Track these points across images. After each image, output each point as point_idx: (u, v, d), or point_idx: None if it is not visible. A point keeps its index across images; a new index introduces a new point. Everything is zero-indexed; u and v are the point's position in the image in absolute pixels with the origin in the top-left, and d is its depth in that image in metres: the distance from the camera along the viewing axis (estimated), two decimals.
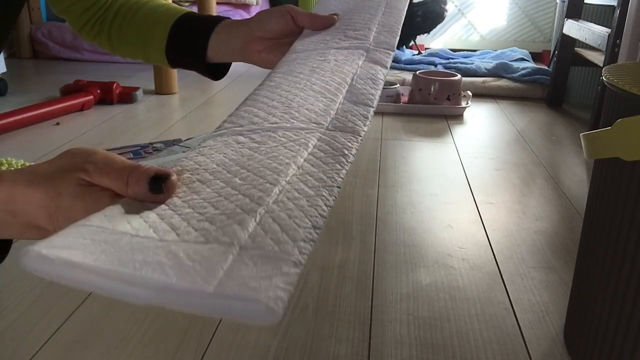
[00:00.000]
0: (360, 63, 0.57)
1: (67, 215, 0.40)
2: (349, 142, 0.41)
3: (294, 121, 0.44)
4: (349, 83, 0.52)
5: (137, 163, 0.39)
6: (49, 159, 0.42)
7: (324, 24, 0.70)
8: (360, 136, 0.42)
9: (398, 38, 0.64)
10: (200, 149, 0.43)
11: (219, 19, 0.74)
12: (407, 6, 0.75)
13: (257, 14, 0.73)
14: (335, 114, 0.46)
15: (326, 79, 0.52)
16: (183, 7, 0.78)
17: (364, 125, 0.44)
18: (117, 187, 0.39)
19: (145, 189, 0.37)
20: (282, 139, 0.41)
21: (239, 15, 3.35)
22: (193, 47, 0.74)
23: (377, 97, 0.50)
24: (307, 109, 0.46)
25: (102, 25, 0.78)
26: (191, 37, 0.74)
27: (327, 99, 0.48)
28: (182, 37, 0.74)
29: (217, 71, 0.79)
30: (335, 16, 0.71)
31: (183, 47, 0.75)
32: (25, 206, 0.41)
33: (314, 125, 0.43)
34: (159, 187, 0.36)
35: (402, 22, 0.70)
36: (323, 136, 0.42)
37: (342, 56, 0.58)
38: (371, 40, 0.63)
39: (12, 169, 1.10)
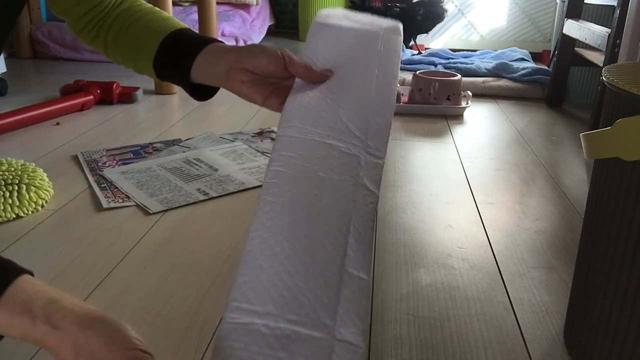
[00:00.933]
0: (355, 191, 0.58)
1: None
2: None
3: (309, 321, 0.48)
4: (350, 232, 0.55)
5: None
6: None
7: (318, 80, 0.69)
8: (362, 349, 0.48)
9: (389, 134, 0.65)
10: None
11: (211, 40, 0.73)
12: (398, 67, 0.75)
13: (251, 46, 0.71)
14: (337, 306, 0.50)
15: (329, 225, 0.54)
16: (181, 22, 0.77)
17: (362, 335, 0.49)
18: None
19: None
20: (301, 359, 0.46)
21: (239, 15, 3.34)
22: (178, 64, 0.73)
23: (371, 256, 0.55)
24: (314, 297, 0.49)
25: (100, 30, 0.78)
26: (178, 53, 0.73)
27: (332, 269, 0.51)
28: (170, 53, 0.73)
29: (202, 92, 0.77)
30: (329, 72, 0.70)
31: (169, 62, 0.74)
32: (51, 351, 0.47)
33: (326, 335, 0.47)
34: None
35: (395, 96, 0.70)
36: (335, 353, 0.47)
37: (339, 171, 0.59)
38: (366, 139, 0.64)
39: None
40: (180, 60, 0.73)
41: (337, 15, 0.80)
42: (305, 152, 0.60)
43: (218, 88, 0.77)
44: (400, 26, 0.81)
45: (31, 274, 0.51)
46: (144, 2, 0.81)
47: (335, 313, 0.49)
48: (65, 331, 0.46)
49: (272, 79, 0.71)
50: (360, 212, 0.56)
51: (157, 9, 0.80)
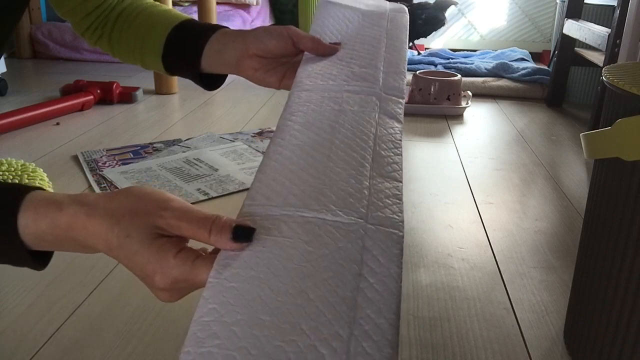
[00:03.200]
0: (376, 117, 0.56)
1: (128, 256, 0.43)
2: (395, 247, 0.41)
3: (334, 209, 0.43)
4: (372, 148, 0.52)
5: (216, 214, 0.42)
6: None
7: (327, 52, 0.68)
8: (401, 232, 0.43)
9: (405, 79, 0.65)
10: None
11: (216, 28, 0.72)
12: (407, 38, 0.75)
13: (256, 30, 0.71)
14: (369, 195, 0.45)
15: (349, 142, 0.52)
16: (183, 13, 0.77)
17: (400, 213, 0.45)
18: (198, 234, 0.41)
19: (228, 237, 0.40)
20: (331, 242, 0.41)
21: (239, 15, 3.35)
22: (187, 55, 0.73)
23: (401, 165, 0.51)
24: (342, 190, 0.45)
25: (104, 29, 0.78)
26: (186, 44, 0.73)
27: (357, 172, 0.48)
28: (177, 45, 0.73)
29: (212, 81, 0.77)
30: (338, 45, 0.70)
31: (178, 54, 0.73)
32: (84, 235, 0.44)
33: (354, 218, 0.43)
34: (241, 236, 0.40)
35: (407, 58, 0.70)
36: (367, 237, 0.42)
37: (357, 105, 0.58)
38: (381, 83, 0.63)
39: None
40: (189, 51, 0.72)
41: None
42: (318, 99, 0.59)
43: (226, 76, 0.77)
44: (405, 8, 0.81)
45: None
46: None
47: (368, 201, 0.45)
48: (94, 204, 0.44)
49: (282, 58, 0.71)
50: (382, 140, 0.54)
51: (156, 2, 0.80)
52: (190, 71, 0.74)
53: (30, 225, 0.44)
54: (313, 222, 0.41)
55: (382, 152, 0.51)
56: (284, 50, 0.69)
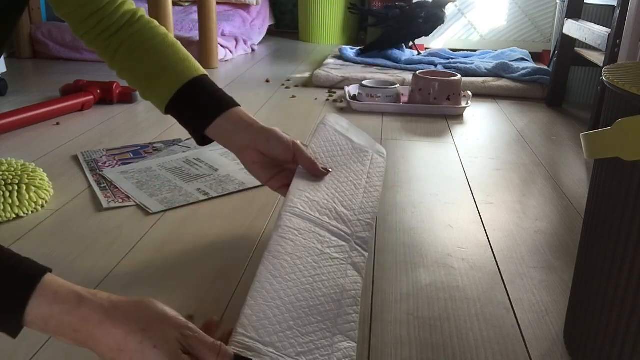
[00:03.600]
0: (346, 270, 0.74)
1: None
2: None
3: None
4: (339, 302, 0.68)
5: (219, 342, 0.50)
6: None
7: (318, 175, 0.83)
8: None
9: (373, 227, 0.87)
10: None
11: (230, 104, 0.82)
12: (382, 183, 0.99)
13: (268, 132, 0.81)
14: (329, 354, 0.61)
15: (325, 291, 0.68)
16: (194, 61, 0.83)
17: None
18: (208, 357, 0.48)
19: None
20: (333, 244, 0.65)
21: (239, 15, 3.34)
22: (195, 120, 0.82)
23: (357, 324, 0.69)
24: (310, 343, 0.60)
25: (109, 41, 0.78)
26: (196, 109, 0.80)
27: (325, 327, 0.63)
28: (187, 105, 0.80)
29: (206, 140, 0.86)
30: (328, 172, 0.85)
31: (184, 113, 0.82)
32: (94, 332, 0.46)
33: None
34: None
35: (378, 201, 0.91)
36: None
37: (334, 250, 0.75)
38: (354, 233, 0.81)
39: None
40: (198, 118, 0.82)
41: (342, 125, 1.01)
42: (306, 231, 0.74)
43: None
44: (385, 152, 1.07)
45: (50, 271, 0.50)
46: (158, 25, 0.82)
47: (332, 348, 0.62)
48: (116, 306, 0.46)
49: (278, 162, 0.83)
50: (346, 296, 0.71)
51: (173, 39, 0.83)
52: (191, 131, 0.84)
53: (44, 307, 0.45)
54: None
55: (346, 309, 0.69)
56: (284, 159, 0.81)
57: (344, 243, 0.77)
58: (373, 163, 0.97)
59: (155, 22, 0.83)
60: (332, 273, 0.70)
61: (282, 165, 0.83)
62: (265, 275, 0.64)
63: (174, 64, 0.78)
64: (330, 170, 0.86)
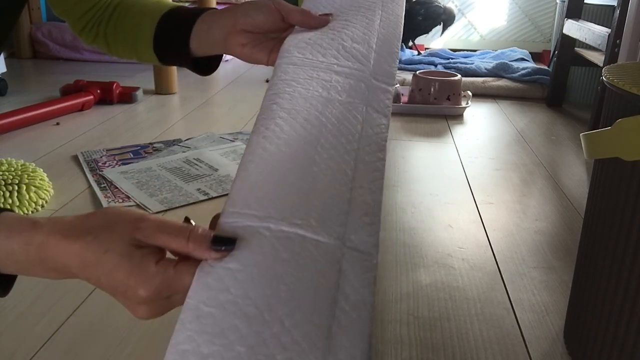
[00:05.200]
0: (364, 112, 0.54)
1: (107, 272, 0.41)
2: (369, 274, 0.41)
3: (315, 225, 0.43)
4: (356, 151, 0.50)
5: (193, 225, 0.42)
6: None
7: (317, 24, 0.65)
8: (375, 260, 0.43)
9: (398, 60, 0.61)
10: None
11: (204, 10, 0.71)
12: (404, 10, 0.71)
13: (243, 4, 0.68)
14: (349, 212, 0.44)
15: (334, 142, 0.49)
16: (174, 2, 0.76)
17: (375, 234, 0.44)
18: (176, 242, 0.41)
19: (207, 245, 0.40)
20: (310, 264, 0.40)
21: None
22: (176, 39, 0.71)
23: (383, 172, 0.49)
24: (323, 203, 0.44)
25: (99, 27, 0.78)
26: (174, 29, 0.71)
27: (339, 182, 0.46)
28: (166, 31, 0.71)
29: (206, 66, 0.75)
30: (329, 16, 0.66)
31: (167, 41, 0.71)
32: (56, 255, 0.43)
33: (333, 239, 0.42)
34: (220, 243, 0.40)
35: (401, 33, 0.66)
36: (345, 260, 0.42)
37: (345, 94, 0.55)
38: (372, 65, 0.59)
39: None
40: (178, 35, 0.70)
41: None
42: (306, 79, 0.56)
43: (220, 60, 0.75)
44: None
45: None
46: None
47: (346, 219, 0.44)
48: (69, 223, 0.43)
49: (272, 34, 0.68)
50: (367, 141, 0.51)
51: None
52: (181, 56, 0.72)
53: (2, 242, 0.43)
54: (293, 239, 0.41)
55: (366, 158, 0.50)
56: (273, 25, 0.67)
57: (360, 83, 0.57)
58: (385, 5, 0.71)
59: None
60: (343, 122, 0.52)
61: (277, 36, 0.69)
62: (257, 140, 0.49)
63: (151, 9, 0.75)
64: (332, 14, 0.67)
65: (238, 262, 0.39)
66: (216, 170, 1.42)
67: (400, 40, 0.65)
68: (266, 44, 0.68)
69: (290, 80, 0.55)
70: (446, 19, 2.74)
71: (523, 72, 2.36)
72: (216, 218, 0.45)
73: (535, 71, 2.34)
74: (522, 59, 2.62)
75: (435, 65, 2.54)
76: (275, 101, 0.53)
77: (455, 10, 3.03)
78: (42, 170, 1.26)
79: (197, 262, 0.40)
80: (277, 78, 0.56)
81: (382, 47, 0.63)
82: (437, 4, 2.74)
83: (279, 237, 0.41)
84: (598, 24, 1.94)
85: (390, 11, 0.69)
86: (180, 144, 1.61)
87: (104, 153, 1.52)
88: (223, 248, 0.40)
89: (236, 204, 0.44)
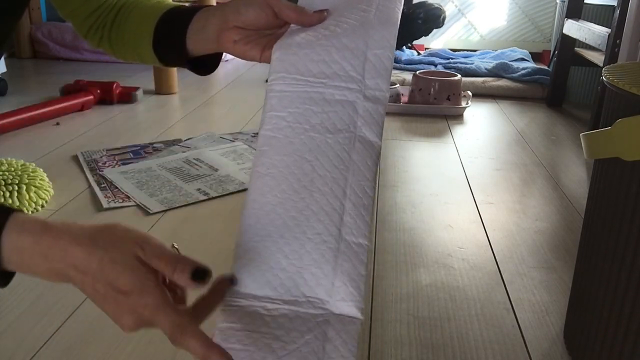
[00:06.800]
0: (354, 154, 0.54)
1: (110, 282, 0.46)
2: (353, 335, 0.48)
3: (306, 298, 0.50)
4: (347, 196, 0.52)
5: (184, 256, 0.48)
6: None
7: (312, 22, 0.64)
8: (361, 316, 0.49)
9: (392, 62, 0.60)
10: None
11: (199, 7, 0.69)
12: (401, 7, 0.68)
13: (235, 0, 0.66)
14: (335, 276, 0.50)
15: (325, 191, 0.52)
16: (174, 3, 0.75)
17: (361, 289, 0.49)
18: (166, 269, 0.47)
19: (187, 276, 0.46)
20: (300, 336, 0.48)
21: None
22: (173, 39, 0.70)
23: (369, 225, 0.52)
24: (313, 271, 0.50)
25: (103, 30, 0.77)
26: (172, 29, 0.70)
27: (328, 240, 0.51)
28: (164, 31, 0.71)
29: (206, 66, 0.74)
30: (324, 13, 0.65)
31: (166, 41, 0.70)
32: (60, 257, 0.47)
33: (321, 310, 0.49)
34: (199, 277, 0.47)
35: (397, 30, 0.64)
36: (331, 327, 0.48)
37: (332, 132, 0.55)
38: (365, 82, 0.58)
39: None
40: (174, 38, 0.70)
41: None
42: (297, 109, 0.57)
43: (219, 59, 0.74)
44: None
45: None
46: None
47: (332, 287, 0.49)
48: (81, 231, 0.47)
49: (265, 31, 0.67)
50: (357, 171, 0.53)
51: None
52: (179, 57, 0.71)
53: (14, 239, 0.46)
54: (287, 314, 0.48)
55: (351, 213, 0.52)
56: (265, 21, 0.65)
57: (348, 107, 0.56)
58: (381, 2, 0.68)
59: None
60: (332, 170, 0.53)
61: (271, 33, 0.67)
62: (252, 199, 0.52)
63: (151, 10, 0.74)
64: (328, 11, 0.65)
65: (238, 340, 0.48)
66: (216, 170, 1.42)
67: (396, 38, 0.63)
68: (259, 41, 0.67)
69: (281, 116, 0.57)
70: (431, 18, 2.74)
71: (523, 72, 2.36)
72: (201, 299, 0.51)
73: (535, 71, 2.34)
74: (522, 59, 2.62)
75: (435, 65, 2.54)
76: (266, 149, 0.56)
77: (456, 11, 3.04)
78: (42, 170, 1.26)
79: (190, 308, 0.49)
80: (269, 110, 0.58)
81: (374, 52, 0.61)
82: (436, 6, 2.74)
83: (274, 316, 0.49)
84: (598, 24, 1.94)
85: (385, 7, 0.68)
86: (180, 144, 1.61)
87: (104, 153, 1.52)
88: (200, 283, 0.47)
89: (244, 284, 0.51)
